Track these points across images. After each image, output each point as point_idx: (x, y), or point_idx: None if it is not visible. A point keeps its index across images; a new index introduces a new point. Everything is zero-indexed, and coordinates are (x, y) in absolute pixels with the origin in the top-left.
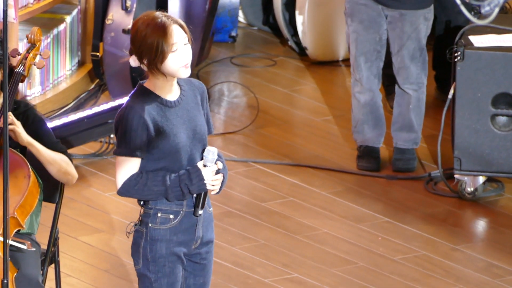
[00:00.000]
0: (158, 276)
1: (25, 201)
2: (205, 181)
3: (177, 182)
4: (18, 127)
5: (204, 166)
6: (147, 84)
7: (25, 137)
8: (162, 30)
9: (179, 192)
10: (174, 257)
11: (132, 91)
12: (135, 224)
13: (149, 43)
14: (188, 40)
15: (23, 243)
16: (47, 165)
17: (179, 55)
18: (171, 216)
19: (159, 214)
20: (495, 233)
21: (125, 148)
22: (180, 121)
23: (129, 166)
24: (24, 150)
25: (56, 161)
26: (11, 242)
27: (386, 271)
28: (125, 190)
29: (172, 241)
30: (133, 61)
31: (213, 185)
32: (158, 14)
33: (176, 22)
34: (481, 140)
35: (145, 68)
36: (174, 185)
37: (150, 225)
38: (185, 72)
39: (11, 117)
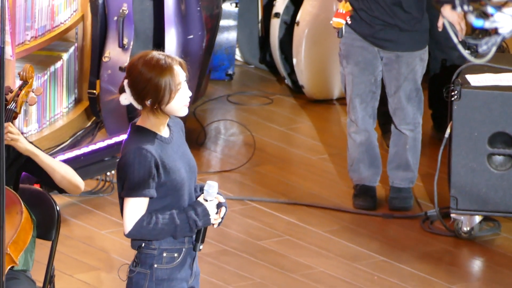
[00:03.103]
0: None
1: (18, 237)
2: (210, 216)
3: (185, 219)
4: (18, 137)
5: (205, 200)
6: (141, 123)
7: (23, 146)
8: (169, 71)
9: (187, 229)
10: None
11: (128, 133)
12: (132, 266)
13: (157, 84)
14: (186, 77)
15: None
16: (51, 172)
17: (183, 93)
18: (176, 255)
19: (164, 254)
20: (491, 273)
21: (138, 190)
22: (177, 156)
23: (140, 207)
24: (17, 181)
25: (60, 166)
26: None
27: None
28: (136, 232)
29: (177, 278)
30: (124, 99)
31: (215, 219)
32: (158, 54)
33: (176, 61)
34: (478, 179)
35: (139, 107)
36: (183, 223)
37: (155, 265)
38: (186, 111)
39: (10, 128)
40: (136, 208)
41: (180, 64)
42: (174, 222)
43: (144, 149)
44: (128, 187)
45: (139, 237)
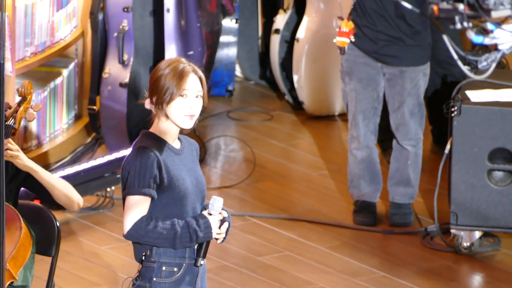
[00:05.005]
0: None
1: (17, 253)
2: (212, 230)
3: (186, 228)
4: (17, 154)
5: (209, 214)
6: (152, 130)
7: (23, 162)
8: (179, 74)
9: (187, 239)
10: None
11: (137, 139)
12: (134, 280)
13: (162, 81)
14: (203, 96)
15: None
16: (50, 188)
17: (187, 102)
18: (175, 269)
19: (163, 268)
20: None
21: (138, 187)
22: (185, 168)
23: (140, 207)
24: (16, 197)
25: (59, 182)
26: None
27: None
28: (135, 232)
29: None
30: (147, 104)
31: (218, 234)
32: (184, 60)
33: (196, 73)
34: (478, 195)
35: (153, 109)
36: (184, 231)
37: (154, 279)
38: (187, 123)
39: (10, 144)
40: (136, 207)
41: (200, 79)
42: (174, 229)
43: (147, 149)
44: (128, 185)
45: (137, 238)
